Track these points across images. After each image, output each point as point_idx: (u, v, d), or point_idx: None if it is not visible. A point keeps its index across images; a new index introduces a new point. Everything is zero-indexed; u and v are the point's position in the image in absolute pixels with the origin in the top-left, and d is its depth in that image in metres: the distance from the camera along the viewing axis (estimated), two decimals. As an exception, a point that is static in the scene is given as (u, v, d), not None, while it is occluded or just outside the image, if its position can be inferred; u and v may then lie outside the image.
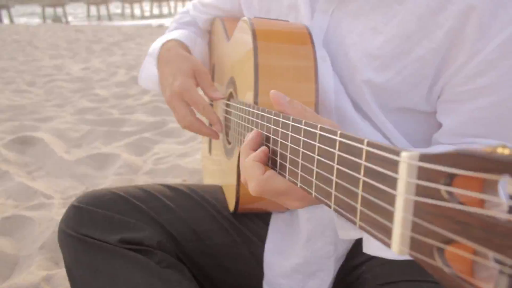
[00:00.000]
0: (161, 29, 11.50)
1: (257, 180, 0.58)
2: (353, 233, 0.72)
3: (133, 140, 2.42)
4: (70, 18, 21.11)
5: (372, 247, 0.67)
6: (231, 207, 0.93)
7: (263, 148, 0.60)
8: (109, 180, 1.94)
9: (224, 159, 0.99)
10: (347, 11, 0.79)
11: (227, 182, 0.97)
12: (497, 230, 0.22)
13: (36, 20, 19.73)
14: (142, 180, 1.92)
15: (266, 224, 0.95)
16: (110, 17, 22.19)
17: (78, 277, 0.84)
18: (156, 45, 1.04)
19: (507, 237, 0.22)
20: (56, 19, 20.81)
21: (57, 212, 1.62)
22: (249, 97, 0.78)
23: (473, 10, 0.68)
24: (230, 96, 0.96)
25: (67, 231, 0.86)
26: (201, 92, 0.95)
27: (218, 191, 1.02)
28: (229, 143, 0.95)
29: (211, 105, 1.15)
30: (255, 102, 0.75)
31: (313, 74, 0.76)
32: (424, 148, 0.82)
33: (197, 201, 0.96)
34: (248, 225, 0.96)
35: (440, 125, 0.79)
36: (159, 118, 2.81)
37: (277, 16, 0.89)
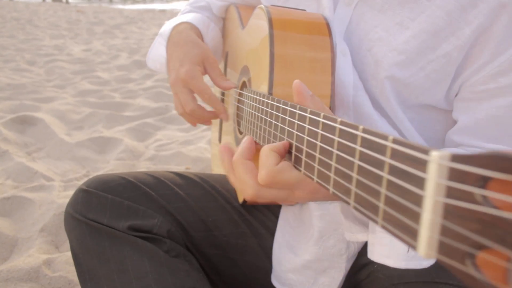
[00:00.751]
0: (164, 14, 11.40)
1: (268, 169, 0.56)
2: (361, 236, 0.71)
3: (135, 125, 2.39)
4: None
5: (376, 254, 0.66)
6: (241, 198, 0.91)
7: (285, 142, 0.58)
8: (110, 164, 1.91)
9: (235, 149, 0.97)
10: (372, 4, 0.77)
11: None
12: None
13: (37, -1, 19.50)
14: (144, 166, 1.90)
15: (276, 216, 0.94)
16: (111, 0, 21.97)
17: (85, 263, 0.82)
18: (167, 26, 1.02)
19: None
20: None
21: (58, 195, 1.60)
22: (263, 87, 0.77)
23: (504, 9, 0.68)
24: (243, 86, 0.94)
25: (74, 215, 0.84)
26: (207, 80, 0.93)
27: (228, 181, 1.00)
28: (241, 133, 0.93)
29: (223, 94, 1.13)
30: (270, 93, 0.73)
31: (329, 66, 0.74)
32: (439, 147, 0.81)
33: (207, 191, 0.95)
34: (258, 217, 0.95)
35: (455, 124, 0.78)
36: (162, 104, 2.78)
37: (296, 6, 0.87)
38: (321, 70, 0.74)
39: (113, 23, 8.21)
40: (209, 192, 0.94)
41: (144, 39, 6.13)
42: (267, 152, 0.57)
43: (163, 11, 12.78)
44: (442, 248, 0.27)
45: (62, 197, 1.57)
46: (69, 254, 1.26)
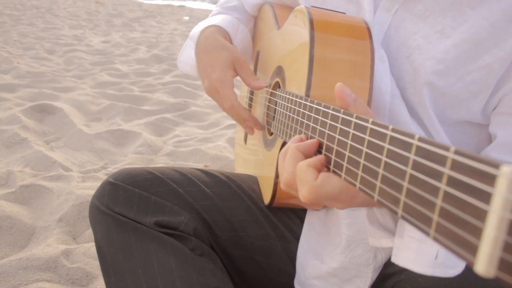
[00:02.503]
0: (182, 9, 11.44)
1: (310, 186, 0.55)
2: (384, 242, 0.69)
3: (154, 119, 2.39)
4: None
5: (401, 258, 0.64)
6: (266, 200, 0.90)
7: (321, 156, 0.57)
8: (128, 158, 1.91)
9: (263, 150, 0.96)
10: (413, 11, 0.75)
11: (264, 174, 0.94)
12: None
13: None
14: (162, 161, 1.90)
15: (301, 220, 0.92)
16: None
17: (109, 256, 0.81)
18: (197, 29, 1.02)
19: None
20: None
21: (76, 186, 1.59)
22: (299, 88, 0.75)
23: None
24: (276, 86, 0.92)
25: (101, 207, 0.83)
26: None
27: (254, 181, 0.99)
28: (270, 134, 0.91)
29: (252, 93, 1.12)
30: (307, 95, 0.71)
31: (368, 71, 0.72)
32: None
33: (234, 190, 0.93)
34: (283, 220, 0.93)
35: (490, 140, 0.76)
36: (181, 99, 2.78)
37: (334, 8, 0.85)
38: (360, 75, 0.73)
39: (132, 16, 8.25)
40: (235, 192, 0.93)
41: (163, 34, 6.15)
42: (305, 168, 0.56)
43: (182, 6, 12.83)
44: (503, 265, 0.27)
45: (81, 188, 1.57)
46: (87, 246, 1.25)
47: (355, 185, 0.48)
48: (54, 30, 5.76)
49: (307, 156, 0.59)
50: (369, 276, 0.82)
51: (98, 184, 1.43)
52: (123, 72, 3.59)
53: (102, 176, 1.74)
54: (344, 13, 0.81)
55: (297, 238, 0.90)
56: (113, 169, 1.83)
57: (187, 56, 1.02)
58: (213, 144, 2.03)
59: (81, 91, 2.89)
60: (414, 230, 0.60)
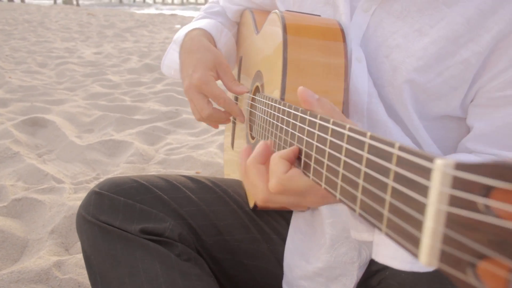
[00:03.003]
0: (174, 17, 11.47)
1: (278, 177, 0.56)
2: (366, 235, 0.70)
3: (146, 128, 2.40)
4: (80, 2, 21.04)
5: (381, 255, 0.65)
6: (251, 203, 0.91)
7: (294, 147, 0.58)
8: (120, 168, 1.92)
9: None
10: (390, 11, 0.77)
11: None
12: None
13: (48, 1, 19.71)
14: (154, 169, 1.90)
15: (287, 222, 0.93)
16: (121, 1, 22.18)
17: (96, 265, 0.82)
18: (181, 32, 1.03)
19: None
20: (67, 1, 20.81)
21: (68, 197, 1.60)
22: (276, 92, 0.76)
23: None
24: (256, 90, 0.94)
25: (86, 217, 0.84)
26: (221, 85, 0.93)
27: (240, 185, 1.00)
28: (253, 138, 0.93)
29: (236, 98, 1.13)
30: (282, 98, 0.73)
31: (343, 72, 0.74)
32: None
33: (219, 195, 0.94)
34: (269, 222, 0.94)
35: (469, 132, 0.77)
36: (172, 108, 2.79)
37: (311, 11, 0.87)
38: (334, 76, 0.74)
39: (124, 26, 8.27)
40: (221, 197, 0.94)
41: (155, 43, 6.16)
42: (277, 160, 0.57)
43: (173, 15, 12.86)
44: (444, 256, 0.27)
45: (73, 199, 1.58)
46: (79, 256, 1.26)
47: (321, 185, 0.49)
48: (46, 43, 5.77)
49: (263, 163, 0.60)
50: (355, 274, 0.83)
51: (89, 194, 1.43)
52: (115, 82, 3.60)
53: (94, 187, 1.75)
54: (319, 16, 0.82)
55: (283, 240, 0.91)
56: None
57: (171, 59, 1.03)
58: (204, 150, 2.04)
59: (73, 103, 2.90)
60: None
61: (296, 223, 0.89)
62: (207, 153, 2.02)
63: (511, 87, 0.70)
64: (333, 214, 0.81)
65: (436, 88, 0.74)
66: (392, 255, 0.63)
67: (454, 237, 0.26)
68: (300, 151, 0.57)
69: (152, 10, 17.13)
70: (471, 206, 0.25)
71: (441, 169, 0.27)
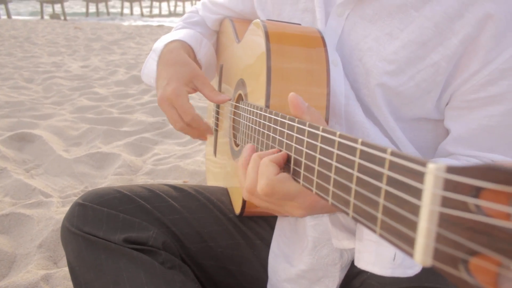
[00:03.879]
0: (161, 29, 11.49)
1: (268, 179, 0.57)
2: (347, 243, 0.72)
3: (133, 140, 2.41)
4: (68, 17, 21.01)
5: (362, 261, 0.66)
6: (237, 210, 0.92)
7: (283, 153, 0.59)
8: (108, 179, 1.92)
9: (231, 162, 0.98)
10: (363, 15, 0.79)
11: (233, 184, 0.96)
12: None
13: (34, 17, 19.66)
14: (142, 180, 1.91)
15: (272, 227, 0.94)
16: (108, 13, 22.19)
17: (81, 275, 0.83)
18: (160, 43, 1.04)
19: None
20: (54, 15, 20.75)
21: (56, 211, 1.60)
22: (260, 99, 0.78)
23: (490, 19, 0.69)
24: (239, 98, 0.95)
25: (71, 229, 0.85)
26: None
27: (223, 193, 1.01)
28: (237, 145, 0.94)
29: (218, 106, 1.15)
30: (266, 105, 0.74)
31: (325, 78, 0.75)
32: (431, 157, 0.82)
33: (202, 203, 0.96)
34: (253, 228, 0.96)
35: (447, 134, 0.79)
36: (159, 118, 2.80)
37: (290, 19, 0.89)
38: (317, 82, 0.75)
39: (111, 39, 8.28)
40: (204, 204, 0.96)
41: (142, 55, 6.17)
42: (267, 163, 0.58)
43: (160, 26, 12.89)
44: (437, 254, 0.29)
45: (60, 213, 1.58)
46: (67, 269, 1.26)
47: (312, 190, 0.51)
48: (32, 58, 5.75)
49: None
50: (337, 275, 0.84)
51: (76, 207, 1.43)
52: (102, 95, 3.61)
53: (82, 200, 1.75)
54: (299, 24, 0.85)
55: (267, 245, 0.93)
56: (93, 192, 1.84)
57: (150, 69, 1.04)
58: (191, 159, 2.05)
59: (60, 117, 2.90)
60: (371, 233, 0.62)
61: (281, 227, 0.91)
62: (194, 162, 2.03)
63: (484, 89, 0.71)
64: (315, 217, 0.82)
65: (408, 92, 0.76)
66: (373, 261, 0.65)
67: (447, 236, 0.28)
68: (289, 157, 0.58)
69: (139, 22, 17.14)
70: (462, 206, 0.27)
71: (433, 172, 0.29)
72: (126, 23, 15.19)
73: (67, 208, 1.64)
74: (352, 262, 0.86)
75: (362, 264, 0.66)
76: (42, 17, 19.47)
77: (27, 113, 3.03)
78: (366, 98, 0.78)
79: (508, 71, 0.69)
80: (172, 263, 0.84)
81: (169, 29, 11.66)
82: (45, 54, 6.23)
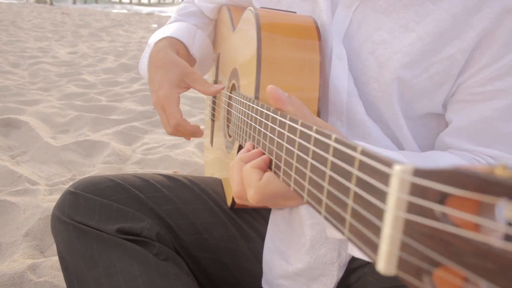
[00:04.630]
0: (151, 17, 11.34)
1: (255, 187, 0.57)
2: (340, 234, 0.70)
3: (122, 128, 2.37)
4: (54, 3, 20.61)
5: (356, 250, 0.66)
6: (229, 201, 0.90)
7: (265, 156, 0.59)
8: (97, 168, 1.89)
9: (224, 152, 0.97)
10: (375, 7, 0.77)
11: (226, 176, 0.95)
12: (490, 257, 0.20)
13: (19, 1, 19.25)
14: (131, 169, 1.88)
15: (266, 220, 0.93)
16: (97, 1, 21.84)
17: (72, 266, 0.81)
18: (153, 39, 1.02)
19: (501, 266, 0.20)
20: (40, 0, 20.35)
21: (43, 199, 1.57)
22: (250, 90, 0.76)
23: (509, 13, 0.69)
24: (233, 88, 0.94)
25: (61, 218, 0.83)
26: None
27: (218, 183, 1.00)
28: (230, 136, 0.92)
29: (215, 97, 1.13)
30: (256, 96, 0.72)
31: (317, 69, 0.74)
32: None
33: (197, 194, 0.94)
34: (248, 220, 0.94)
35: None
36: (149, 107, 2.76)
37: (288, 7, 0.87)
38: (309, 72, 0.74)
39: (100, 26, 8.14)
40: (198, 195, 0.94)
41: (131, 43, 6.09)
42: (250, 171, 0.58)
43: (150, 14, 12.72)
44: (401, 264, 0.27)
45: (48, 201, 1.55)
46: (54, 259, 1.23)
47: (290, 186, 0.49)
48: (18, 43, 5.63)
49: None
50: (335, 274, 0.83)
51: (64, 196, 1.40)
52: (91, 82, 3.54)
53: (70, 188, 1.71)
54: (295, 13, 0.82)
55: (262, 238, 0.91)
56: (81, 180, 1.80)
57: (144, 63, 1.03)
58: (182, 150, 2.03)
59: (47, 104, 2.84)
60: None
61: (275, 221, 0.89)
62: (184, 152, 2.00)
63: (491, 83, 0.71)
64: (312, 216, 0.81)
65: (422, 84, 0.75)
66: None
67: (411, 245, 0.26)
68: (270, 159, 0.57)
69: (127, 10, 16.92)
70: (428, 213, 0.25)
71: (399, 175, 0.27)
72: (115, 11, 14.97)
73: (54, 196, 1.60)
74: (350, 260, 0.85)
75: (356, 253, 0.66)
76: (27, 1, 19.08)
77: (13, 98, 2.96)
78: (375, 93, 0.76)
79: None
80: (166, 255, 0.83)
81: (158, 17, 11.53)
82: (31, 38, 6.10)
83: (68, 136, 2.32)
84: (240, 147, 0.81)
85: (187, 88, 0.94)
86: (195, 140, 2.18)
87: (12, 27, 7.27)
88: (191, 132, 0.95)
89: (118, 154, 2.02)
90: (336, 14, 0.79)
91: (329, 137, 0.39)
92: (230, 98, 0.93)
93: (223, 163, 1.00)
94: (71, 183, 1.77)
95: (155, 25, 9.15)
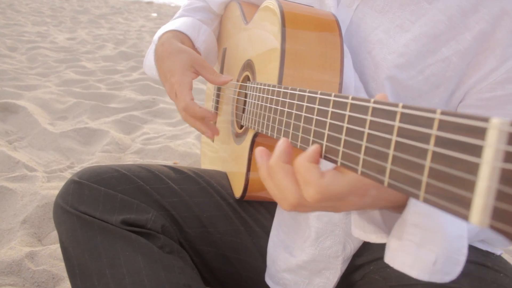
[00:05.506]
0: (150, 6, 11.27)
1: (316, 186, 0.49)
2: (374, 237, 0.66)
3: (122, 117, 2.35)
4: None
5: (398, 262, 0.59)
6: (238, 193, 0.89)
7: (315, 146, 0.51)
8: (95, 156, 1.87)
9: (232, 145, 0.95)
10: (373, 6, 0.77)
11: (235, 168, 0.94)
12: None
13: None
14: (130, 159, 1.86)
15: (271, 215, 0.92)
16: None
17: (75, 256, 0.79)
18: (158, 34, 1.01)
19: None
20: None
21: (41, 186, 1.55)
22: (271, 80, 0.75)
23: (507, 15, 0.67)
24: (246, 79, 0.92)
25: (65, 207, 0.81)
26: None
27: (223, 176, 0.98)
28: (241, 127, 0.91)
29: (219, 89, 1.11)
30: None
31: (339, 65, 0.73)
32: None
33: (202, 186, 0.93)
34: (253, 214, 0.93)
35: None
36: (149, 97, 2.74)
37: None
38: (330, 67, 0.73)
39: (99, 13, 8.07)
40: (204, 188, 0.92)
41: (131, 31, 6.04)
42: (307, 166, 0.50)
43: (150, 3, 12.64)
44: (497, 214, 0.27)
45: (46, 188, 1.53)
46: (53, 247, 1.22)
47: (336, 162, 0.47)
48: (16, 26, 5.56)
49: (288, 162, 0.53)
50: (339, 267, 0.82)
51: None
52: (90, 69, 3.51)
53: (68, 176, 1.70)
54: (313, 7, 0.81)
55: (267, 233, 0.90)
56: (79, 168, 1.79)
57: (149, 60, 1.02)
58: (182, 141, 2.01)
59: (46, 89, 2.81)
60: (414, 234, 0.57)
61: (281, 216, 0.89)
62: (184, 143, 1.99)
63: (502, 87, 0.70)
64: None
65: (417, 85, 0.74)
66: (410, 263, 0.58)
67: (508, 193, 0.26)
68: (321, 147, 0.51)
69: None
70: None
71: (498, 127, 0.28)
72: (113, -3, 14.83)
73: (53, 184, 1.59)
74: (353, 255, 0.84)
75: (397, 265, 0.59)
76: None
77: (11, 82, 2.92)
78: (374, 91, 0.76)
79: None
80: (171, 248, 0.81)
81: (158, 6, 11.45)
82: (29, 23, 6.04)
83: (67, 123, 2.30)
84: (256, 135, 0.80)
85: (197, 74, 0.93)
86: (195, 132, 2.16)
87: (9, 10, 7.19)
88: (201, 116, 0.90)
89: (117, 143, 2.00)
90: (338, 13, 0.78)
91: (395, 105, 0.38)
92: (242, 88, 0.92)
93: (229, 156, 0.98)
94: (69, 170, 1.76)
95: (154, 14, 9.08)
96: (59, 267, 1.14)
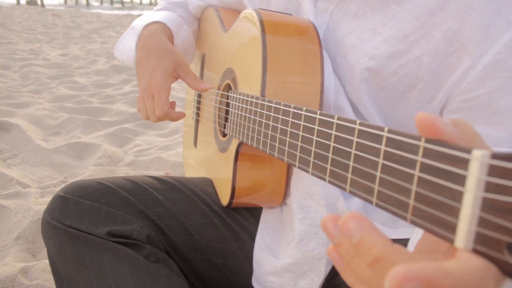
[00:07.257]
0: (142, 18, 11.29)
1: None
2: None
3: (114, 130, 2.36)
4: (46, 1, 20.46)
5: None
6: (225, 201, 0.91)
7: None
8: (88, 170, 1.89)
9: (216, 152, 0.97)
10: (346, 11, 0.78)
11: (220, 175, 0.95)
12: None
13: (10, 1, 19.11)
14: (123, 171, 1.88)
15: (257, 220, 0.94)
16: (88, 2, 21.72)
17: (63, 270, 0.81)
18: (139, 22, 1.01)
19: None
20: (31, 1, 20.22)
21: (35, 202, 1.56)
22: (253, 88, 0.77)
23: (473, 10, 0.67)
24: (227, 88, 0.94)
25: (51, 222, 0.83)
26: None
27: (208, 184, 1.00)
28: (224, 135, 0.93)
29: (199, 96, 1.13)
30: (262, 94, 0.73)
31: (319, 69, 0.75)
32: None
33: (186, 194, 0.94)
34: (238, 220, 0.95)
35: None
36: (141, 108, 2.75)
37: (276, 9, 0.88)
38: (311, 72, 0.75)
39: (91, 28, 8.11)
40: (188, 196, 0.94)
41: (122, 44, 6.05)
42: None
43: (141, 15, 12.69)
44: (479, 238, 0.29)
45: (39, 203, 1.54)
46: (46, 262, 1.23)
47: (324, 179, 0.48)
48: (8, 45, 5.59)
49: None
50: (322, 269, 0.84)
51: (55, 199, 1.40)
52: (82, 84, 3.53)
53: (62, 191, 1.71)
54: (291, 15, 0.84)
55: (253, 237, 0.92)
56: (73, 183, 1.80)
57: (126, 45, 1.02)
58: (174, 151, 2.03)
59: (38, 106, 2.83)
60: None
61: (267, 219, 0.90)
62: (176, 153, 2.01)
63: (483, 85, 0.68)
64: (303, 211, 0.81)
65: (392, 87, 0.74)
66: None
67: (490, 220, 0.28)
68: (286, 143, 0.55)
69: (119, 11, 16.85)
70: (507, 191, 0.28)
71: (479, 159, 0.30)
72: (106, 12, 14.89)
73: (46, 199, 1.60)
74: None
75: None
76: (18, 3, 18.95)
77: (4, 101, 2.94)
78: (351, 95, 0.77)
79: (504, 62, 0.66)
80: (157, 257, 0.83)
81: (150, 18, 11.44)
82: (22, 40, 6.07)
83: (60, 139, 2.32)
84: (240, 144, 0.82)
85: (177, 78, 0.97)
86: (187, 141, 2.19)
87: (2, 29, 7.22)
88: (176, 119, 0.98)
89: (110, 156, 2.01)
90: (315, 20, 0.80)
91: (381, 129, 0.39)
92: (223, 96, 0.93)
93: (214, 163, 1.00)
94: (63, 185, 1.77)
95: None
96: (52, 281, 1.16)
